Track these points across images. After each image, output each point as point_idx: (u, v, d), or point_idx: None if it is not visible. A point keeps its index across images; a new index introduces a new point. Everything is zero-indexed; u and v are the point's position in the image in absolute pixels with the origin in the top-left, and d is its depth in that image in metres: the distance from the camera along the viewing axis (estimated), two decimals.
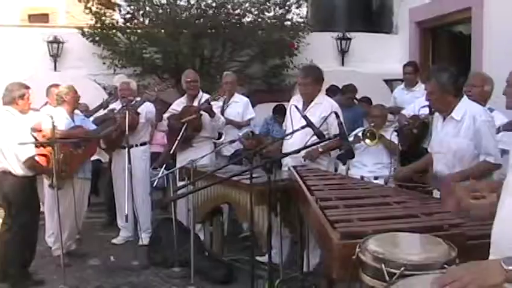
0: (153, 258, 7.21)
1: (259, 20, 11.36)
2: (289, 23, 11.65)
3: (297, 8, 11.76)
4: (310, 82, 6.61)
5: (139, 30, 11.08)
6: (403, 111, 8.07)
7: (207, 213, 6.91)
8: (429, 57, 11.43)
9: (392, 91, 10.47)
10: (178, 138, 7.34)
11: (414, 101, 8.10)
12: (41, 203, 6.93)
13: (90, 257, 7.43)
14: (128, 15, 11.16)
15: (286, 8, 11.55)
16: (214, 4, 11.08)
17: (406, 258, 2.45)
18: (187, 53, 10.86)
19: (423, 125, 7.19)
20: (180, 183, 6.99)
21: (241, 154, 7.27)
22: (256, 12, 11.34)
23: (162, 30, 10.86)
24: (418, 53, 11.39)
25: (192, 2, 11.03)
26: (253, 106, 10.04)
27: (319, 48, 11.93)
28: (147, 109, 7.94)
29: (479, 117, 4.91)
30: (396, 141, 7.19)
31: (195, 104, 7.78)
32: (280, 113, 8.81)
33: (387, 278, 2.39)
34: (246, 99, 9.09)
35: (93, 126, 7.66)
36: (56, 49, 11.33)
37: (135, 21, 11.18)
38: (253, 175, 4.64)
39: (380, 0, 13.22)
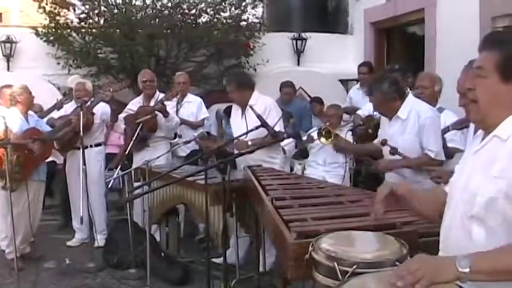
0: (108, 259, 7.15)
1: (215, 20, 11.33)
2: (245, 23, 11.64)
3: (253, 8, 11.76)
4: (234, 90, 6.71)
5: (94, 30, 10.94)
6: (359, 112, 8.15)
7: (163, 214, 6.90)
8: (384, 57, 11.52)
9: (347, 91, 10.58)
10: (133, 138, 7.29)
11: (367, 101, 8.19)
12: None
13: (45, 260, 7.34)
14: (83, 15, 11.02)
15: (242, 8, 11.54)
16: (169, 4, 11.01)
17: (359, 257, 2.47)
18: (143, 53, 10.79)
19: (378, 125, 7.26)
20: (136, 184, 6.95)
21: (197, 154, 7.25)
22: (212, 13, 11.30)
23: (118, 30, 10.75)
24: (373, 53, 11.48)
25: (147, 2, 10.95)
26: (209, 106, 10.05)
27: (274, 49, 11.95)
28: (102, 110, 7.89)
29: (423, 114, 5.12)
30: (351, 141, 7.26)
31: (152, 104, 7.75)
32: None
33: (340, 276, 2.41)
34: (199, 99, 9.10)
35: (48, 128, 7.57)
36: (9, 49, 11.12)
37: (90, 21, 11.05)
38: (209, 175, 4.64)
39: (335, 0, 13.28)
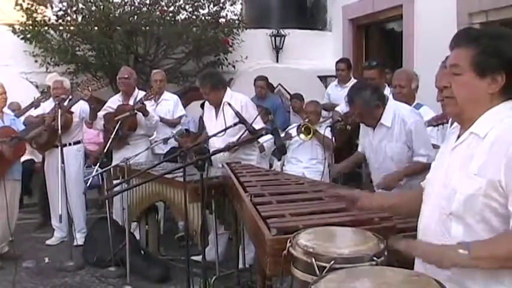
0: (88, 258, 7.14)
1: (194, 17, 11.27)
2: (223, 20, 11.61)
3: (231, 5, 11.70)
4: (208, 91, 6.69)
5: (72, 28, 10.84)
6: (337, 108, 8.18)
7: (142, 212, 6.90)
8: (362, 54, 11.56)
9: (326, 87, 10.58)
10: (112, 136, 7.26)
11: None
12: None
13: (23, 259, 7.29)
14: (60, 12, 10.90)
15: (221, 5, 11.48)
16: (148, 1, 10.94)
17: (336, 252, 2.48)
18: (121, 51, 10.74)
19: (356, 122, 7.29)
20: (115, 182, 6.94)
21: (176, 152, 7.25)
22: (190, 10, 11.25)
23: (96, 28, 10.69)
24: (351, 49, 11.51)
25: (125, 0, 10.92)
26: (188, 104, 10.05)
27: (253, 45, 11.94)
28: (80, 108, 7.85)
29: (407, 119, 5.00)
30: (330, 137, 7.27)
31: (131, 102, 7.72)
32: None
33: (317, 271, 2.42)
34: (176, 97, 9.11)
35: (23, 127, 7.51)
36: None
37: (68, 18, 10.94)
38: (188, 173, 4.64)
39: None
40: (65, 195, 7.18)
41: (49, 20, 10.88)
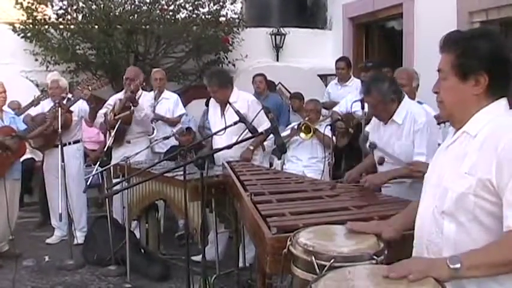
0: (88, 256, 7.14)
1: (194, 16, 11.27)
2: (223, 19, 11.62)
3: (232, 4, 11.71)
4: (216, 89, 6.68)
5: (72, 26, 10.84)
6: (335, 108, 8.19)
7: (143, 210, 6.89)
8: (363, 52, 11.58)
9: (326, 86, 10.58)
10: (112, 134, 7.26)
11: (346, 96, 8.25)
12: None
13: (23, 258, 7.30)
14: (61, 11, 10.91)
15: (221, 4, 11.49)
16: (148, 0, 10.97)
17: (336, 251, 2.48)
18: (121, 49, 10.75)
19: (359, 125, 7.27)
20: (115, 181, 6.93)
21: (176, 150, 7.25)
22: (190, 8, 11.25)
23: (96, 26, 10.69)
24: (351, 48, 11.52)
25: None
26: (188, 102, 10.06)
27: (253, 44, 11.95)
28: (79, 107, 7.84)
29: (419, 118, 4.91)
30: (330, 135, 7.27)
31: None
32: None
33: (317, 270, 2.42)
34: (176, 95, 9.12)
35: (23, 126, 7.51)
36: None
37: (68, 17, 10.94)
38: (188, 171, 4.64)
39: None
40: (65, 194, 7.18)
41: (49, 18, 10.89)
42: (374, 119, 5.38)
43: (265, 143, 7.02)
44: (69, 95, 7.79)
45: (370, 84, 5.10)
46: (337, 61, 9.61)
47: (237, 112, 5.51)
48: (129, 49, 10.93)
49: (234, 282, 5.96)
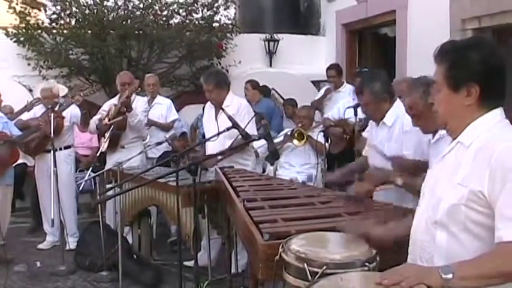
0: (80, 262, 7.11)
1: (187, 21, 11.28)
2: (217, 24, 11.62)
3: (225, 9, 11.72)
4: (212, 88, 6.65)
5: (65, 31, 10.82)
6: (328, 114, 8.21)
7: (135, 216, 6.87)
8: (356, 58, 11.57)
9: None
10: (106, 139, 7.26)
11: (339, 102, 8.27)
12: None
13: (15, 263, 7.26)
14: (54, 16, 10.90)
15: (214, 9, 11.50)
16: (141, 5, 10.95)
17: (328, 257, 2.48)
18: (115, 54, 10.73)
19: (354, 130, 7.27)
20: (107, 186, 6.93)
21: (169, 156, 7.25)
22: (184, 14, 11.25)
23: (89, 31, 10.67)
24: (345, 54, 11.52)
25: (119, 3, 10.88)
26: (181, 108, 10.06)
27: (247, 50, 11.95)
28: (71, 112, 7.82)
29: (408, 122, 4.90)
30: (323, 142, 7.28)
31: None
32: None
33: (309, 277, 2.42)
34: (169, 101, 9.15)
35: (16, 130, 7.50)
36: None
37: (61, 21, 10.93)
38: (181, 177, 4.63)
39: (307, 2, 13.32)
40: (57, 199, 7.17)
41: (42, 23, 10.87)
42: (370, 124, 5.39)
43: (258, 150, 7.03)
44: (61, 100, 7.77)
45: (363, 82, 5.13)
46: (327, 69, 9.62)
47: (230, 118, 5.51)
48: (122, 54, 10.91)
49: None
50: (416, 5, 9.02)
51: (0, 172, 7.16)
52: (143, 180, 5.77)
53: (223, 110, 6.21)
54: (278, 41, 12.24)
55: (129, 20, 10.90)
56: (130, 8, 10.95)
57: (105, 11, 10.76)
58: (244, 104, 6.87)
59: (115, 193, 5.90)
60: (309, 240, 2.70)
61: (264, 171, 8.01)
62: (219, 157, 6.08)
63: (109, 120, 7.48)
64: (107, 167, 7.46)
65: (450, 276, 2.17)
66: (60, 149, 7.80)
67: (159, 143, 7.48)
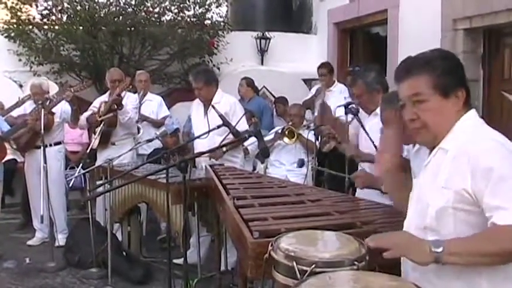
0: (69, 259, 7.10)
1: (179, 18, 11.26)
2: (209, 22, 11.60)
3: (217, 7, 11.69)
4: (202, 86, 6.69)
5: (56, 27, 10.78)
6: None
7: (125, 213, 6.86)
8: (347, 57, 11.59)
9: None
10: (97, 136, 7.25)
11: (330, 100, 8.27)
12: None
13: (4, 260, 7.27)
14: (45, 11, 10.85)
15: (206, 7, 11.47)
16: (133, 2, 10.91)
17: (317, 256, 2.47)
18: (106, 51, 10.70)
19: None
20: (97, 183, 6.91)
21: (159, 153, 7.24)
22: (176, 11, 11.24)
23: (80, 27, 10.63)
24: (336, 53, 11.54)
25: (111, 0, 10.88)
26: (172, 105, 10.04)
27: (238, 48, 11.94)
28: (62, 108, 7.81)
29: None
30: (313, 140, 7.29)
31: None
32: None
33: (298, 275, 2.41)
34: (160, 98, 9.17)
35: (6, 126, 7.48)
36: None
37: (53, 17, 10.89)
38: (171, 174, 4.63)
39: (299, 0, 13.31)
40: (47, 196, 7.14)
41: (34, 19, 10.82)
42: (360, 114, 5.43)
43: (249, 147, 7.03)
44: (52, 95, 7.74)
45: (357, 75, 5.30)
46: (318, 68, 9.58)
47: (221, 116, 5.51)
48: (113, 51, 10.88)
49: (215, 286, 5.96)
50: (408, 5, 9.05)
51: None
52: (133, 177, 5.75)
53: (213, 107, 6.22)
54: (270, 39, 12.24)
55: (120, 17, 10.86)
56: (122, 4, 10.92)
57: (97, 7, 10.73)
58: (234, 101, 6.91)
59: (105, 190, 5.89)
60: (299, 239, 2.68)
61: (254, 169, 8.01)
62: (224, 149, 6.12)
63: (100, 117, 7.47)
64: (97, 163, 7.43)
65: (440, 249, 2.23)
66: (50, 145, 7.79)
67: (150, 140, 7.46)
